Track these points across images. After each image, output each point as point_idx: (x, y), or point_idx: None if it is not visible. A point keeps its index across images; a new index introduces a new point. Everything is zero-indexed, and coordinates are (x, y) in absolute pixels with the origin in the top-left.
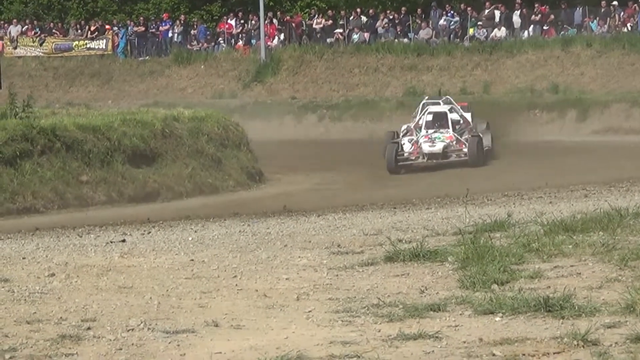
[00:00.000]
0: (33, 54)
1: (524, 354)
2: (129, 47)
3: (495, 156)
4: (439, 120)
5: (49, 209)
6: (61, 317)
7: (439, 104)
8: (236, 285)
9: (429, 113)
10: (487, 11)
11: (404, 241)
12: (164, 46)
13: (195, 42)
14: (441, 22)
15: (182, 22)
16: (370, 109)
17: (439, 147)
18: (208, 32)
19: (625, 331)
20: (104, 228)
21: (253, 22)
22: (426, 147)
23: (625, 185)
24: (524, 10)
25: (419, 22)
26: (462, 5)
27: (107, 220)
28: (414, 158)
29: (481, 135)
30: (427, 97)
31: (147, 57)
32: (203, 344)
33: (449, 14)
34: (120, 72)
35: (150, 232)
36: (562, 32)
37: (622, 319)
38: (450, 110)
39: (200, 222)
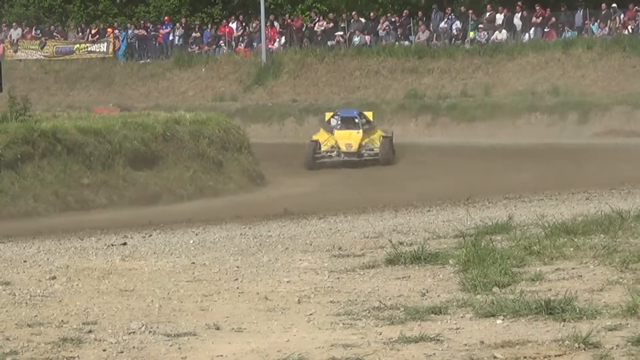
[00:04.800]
0: (34, 57)
1: (525, 357)
2: (130, 50)
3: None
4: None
5: (50, 212)
6: (62, 320)
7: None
8: (237, 288)
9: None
10: (488, 14)
11: (405, 244)
12: (165, 49)
13: (195, 46)
14: (442, 24)
15: (183, 25)
16: (372, 112)
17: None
18: (209, 35)
19: (627, 334)
20: (105, 231)
21: (254, 25)
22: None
23: (626, 188)
24: (525, 12)
25: (420, 24)
26: (462, 8)
27: (108, 223)
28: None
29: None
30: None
31: (148, 60)
32: (204, 347)
33: (449, 17)
34: (122, 75)
35: (151, 235)
36: (564, 34)
37: (623, 322)
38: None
39: (201, 225)
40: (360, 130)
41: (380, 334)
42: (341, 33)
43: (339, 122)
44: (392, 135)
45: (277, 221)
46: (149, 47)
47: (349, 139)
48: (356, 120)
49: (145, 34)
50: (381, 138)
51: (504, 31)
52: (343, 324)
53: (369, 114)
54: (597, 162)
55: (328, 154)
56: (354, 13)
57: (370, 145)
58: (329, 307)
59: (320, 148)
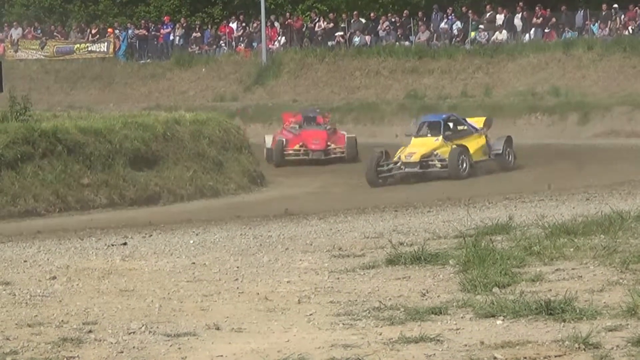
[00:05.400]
0: (34, 57)
1: (525, 357)
2: (130, 50)
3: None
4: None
5: (50, 212)
6: (62, 320)
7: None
8: (237, 288)
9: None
10: (488, 14)
11: (405, 244)
12: (166, 49)
13: (195, 46)
14: (442, 25)
15: (183, 25)
16: (372, 112)
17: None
18: (210, 35)
19: (627, 334)
20: (105, 231)
21: (254, 25)
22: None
23: (626, 188)
24: (525, 13)
25: (420, 24)
26: (463, 9)
27: (109, 223)
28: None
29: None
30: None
31: (149, 60)
32: (204, 347)
33: (449, 17)
34: (122, 75)
35: (151, 235)
36: (564, 35)
37: (623, 322)
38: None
39: (201, 225)
40: (440, 138)
41: (380, 334)
42: (341, 33)
43: (420, 128)
44: (464, 147)
45: (278, 221)
46: (149, 47)
47: (417, 147)
48: (445, 125)
49: (146, 33)
50: (452, 147)
51: (504, 31)
52: (343, 324)
53: (478, 120)
54: (598, 162)
55: (397, 165)
56: (354, 13)
57: (443, 156)
58: (329, 307)
59: (387, 159)
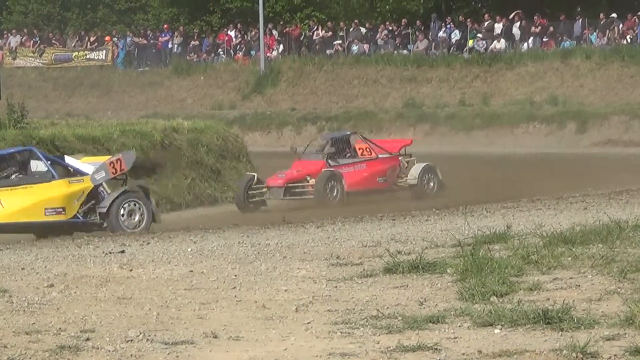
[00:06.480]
0: (32, 65)
1: None
2: (128, 58)
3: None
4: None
5: None
6: (60, 328)
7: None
8: (235, 296)
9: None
10: (486, 23)
11: (403, 253)
12: (164, 57)
13: (193, 54)
14: (441, 33)
15: (181, 33)
16: (370, 120)
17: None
18: (208, 43)
19: (624, 343)
20: (103, 239)
21: (253, 33)
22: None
23: (624, 198)
24: (524, 22)
25: (418, 34)
26: (461, 18)
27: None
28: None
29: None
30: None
31: (147, 68)
32: (202, 355)
33: (448, 26)
34: (120, 83)
35: (149, 243)
36: (562, 44)
37: (621, 332)
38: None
39: (199, 233)
40: None
41: (378, 343)
42: (340, 42)
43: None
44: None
45: (275, 229)
46: (147, 55)
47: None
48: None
49: (144, 42)
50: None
51: (502, 40)
52: (341, 332)
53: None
54: (595, 171)
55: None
56: (356, 21)
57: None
58: (327, 315)
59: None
